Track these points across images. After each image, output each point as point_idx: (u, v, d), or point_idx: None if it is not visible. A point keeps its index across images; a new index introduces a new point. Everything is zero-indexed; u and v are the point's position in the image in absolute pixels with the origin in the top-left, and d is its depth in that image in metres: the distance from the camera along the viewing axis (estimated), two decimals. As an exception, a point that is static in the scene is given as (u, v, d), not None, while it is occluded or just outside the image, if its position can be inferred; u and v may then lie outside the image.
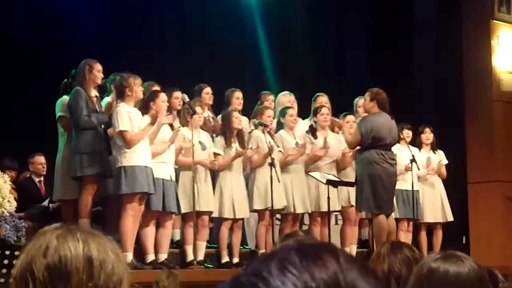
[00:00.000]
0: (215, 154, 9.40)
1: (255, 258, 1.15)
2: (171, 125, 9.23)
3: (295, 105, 10.55)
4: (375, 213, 9.51)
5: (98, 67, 8.53)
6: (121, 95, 8.43)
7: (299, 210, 9.88)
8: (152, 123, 8.37)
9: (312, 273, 1.07)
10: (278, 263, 1.08)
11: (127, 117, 8.28)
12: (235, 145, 9.55)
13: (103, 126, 8.46)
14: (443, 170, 11.17)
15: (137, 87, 8.41)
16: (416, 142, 11.14)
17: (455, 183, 11.74)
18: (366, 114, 9.87)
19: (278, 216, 10.08)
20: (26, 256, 1.77)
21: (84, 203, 8.33)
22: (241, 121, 9.71)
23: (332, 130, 10.56)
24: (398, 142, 10.18)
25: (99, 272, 1.75)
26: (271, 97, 10.75)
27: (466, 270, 2.53)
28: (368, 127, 9.44)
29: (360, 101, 10.84)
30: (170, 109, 9.16)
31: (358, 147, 9.68)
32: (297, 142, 10.03)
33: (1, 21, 11.48)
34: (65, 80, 8.77)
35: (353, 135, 9.76)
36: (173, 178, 8.77)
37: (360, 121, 9.89)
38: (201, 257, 9.23)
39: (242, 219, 9.71)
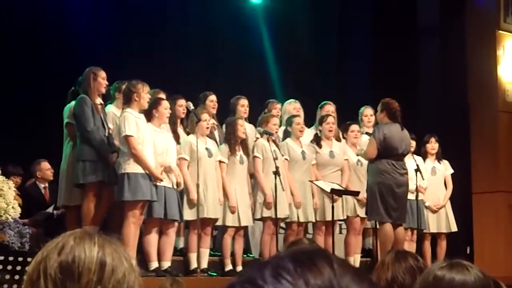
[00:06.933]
0: (220, 162, 9.41)
1: (249, 265, 1.15)
2: (174, 132, 9.24)
3: (301, 113, 10.54)
4: (382, 222, 9.48)
5: (103, 74, 8.55)
6: (128, 101, 8.40)
7: (303, 219, 9.86)
8: (156, 178, 8.33)
9: (307, 279, 1.07)
10: (272, 270, 1.08)
11: (134, 122, 8.26)
12: (240, 153, 9.55)
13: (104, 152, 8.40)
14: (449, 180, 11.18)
15: (144, 93, 8.42)
16: (421, 152, 11.12)
17: (460, 193, 11.71)
18: (376, 124, 9.84)
19: (282, 224, 10.07)
20: (42, 252, 1.81)
21: (86, 210, 8.32)
22: (245, 130, 9.71)
23: (337, 139, 10.54)
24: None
25: (109, 277, 1.79)
26: (279, 105, 10.74)
27: (472, 279, 2.52)
28: (381, 136, 9.42)
29: (365, 110, 10.81)
30: (174, 117, 9.18)
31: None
32: (303, 150, 10.02)
33: (6, 27, 11.50)
34: (73, 88, 8.79)
35: (369, 145, 9.63)
36: (175, 186, 8.77)
37: (373, 131, 9.83)
38: (204, 265, 9.21)
39: (245, 227, 9.71)
